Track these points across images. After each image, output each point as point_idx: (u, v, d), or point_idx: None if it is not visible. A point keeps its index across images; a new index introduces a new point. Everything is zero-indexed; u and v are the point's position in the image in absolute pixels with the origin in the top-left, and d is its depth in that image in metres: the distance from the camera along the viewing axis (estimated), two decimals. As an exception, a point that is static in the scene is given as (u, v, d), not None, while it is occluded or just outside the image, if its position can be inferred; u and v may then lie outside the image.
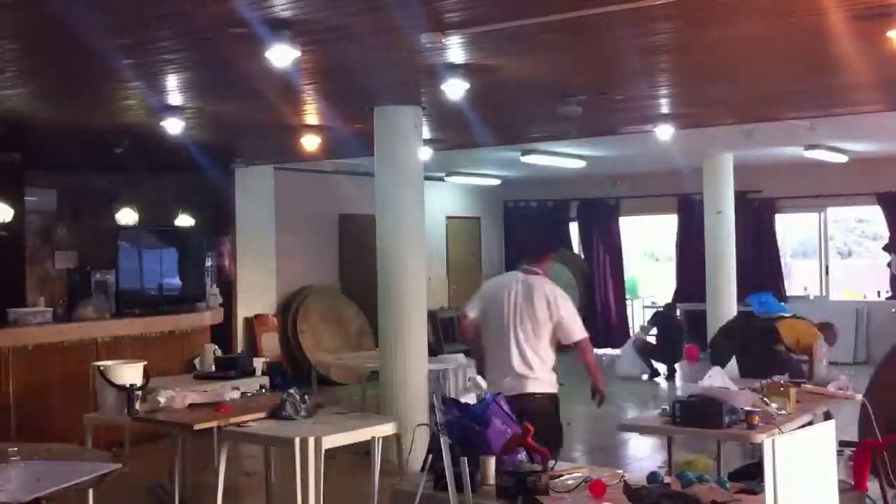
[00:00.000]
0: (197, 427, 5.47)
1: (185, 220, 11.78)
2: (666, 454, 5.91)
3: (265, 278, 12.58)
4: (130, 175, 11.10)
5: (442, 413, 3.85)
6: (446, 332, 14.58)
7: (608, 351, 16.11)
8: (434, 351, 12.75)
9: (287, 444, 5.11)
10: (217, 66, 6.45)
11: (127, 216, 11.39)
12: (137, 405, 5.92)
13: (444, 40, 5.48)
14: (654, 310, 15.24)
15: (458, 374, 8.75)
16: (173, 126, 8.04)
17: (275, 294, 12.71)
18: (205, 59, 6.24)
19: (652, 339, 13.79)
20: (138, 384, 6.10)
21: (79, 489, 3.86)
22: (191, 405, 5.82)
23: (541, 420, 4.78)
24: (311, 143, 9.73)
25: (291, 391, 5.60)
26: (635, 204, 16.01)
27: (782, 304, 14.03)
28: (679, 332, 13.67)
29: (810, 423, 4.97)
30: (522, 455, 4.04)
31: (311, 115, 8.59)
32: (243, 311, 12.29)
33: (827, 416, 6.02)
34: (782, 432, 4.52)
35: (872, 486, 5.62)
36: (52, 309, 8.73)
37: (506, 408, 4.23)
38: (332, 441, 5.14)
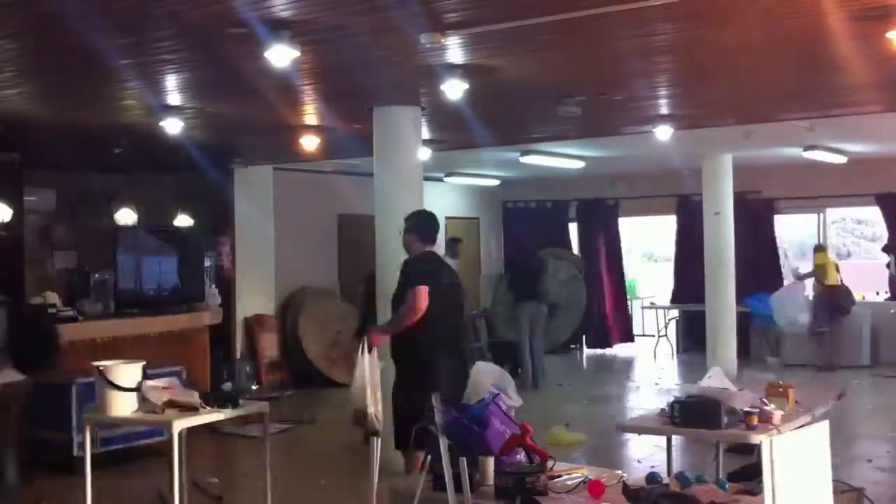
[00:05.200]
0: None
1: (183, 221, 11.78)
2: (665, 455, 5.91)
3: (264, 278, 12.58)
4: (129, 175, 11.10)
5: (441, 414, 3.85)
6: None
7: (607, 351, 16.16)
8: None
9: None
10: (217, 66, 6.45)
11: (126, 216, 11.38)
12: (137, 406, 5.90)
13: (443, 40, 5.49)
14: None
15: None
16: (172, 126, 8.05)
17: (273, 294, 12.71)
18: (204, 59, 6.24)
19: None
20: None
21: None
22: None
23: None
24: (310, 143, 9.73)
25: None
26: (634, 204, 16.02)
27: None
28: None
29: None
30: (521, 455, 4.04)
31: (311, 116, 8.59)
32: (242, 312, 12.28)
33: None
34: (781, 433, 4.52)
35: (870, 487, 5.63)
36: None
37: (504, 408, 4.24)
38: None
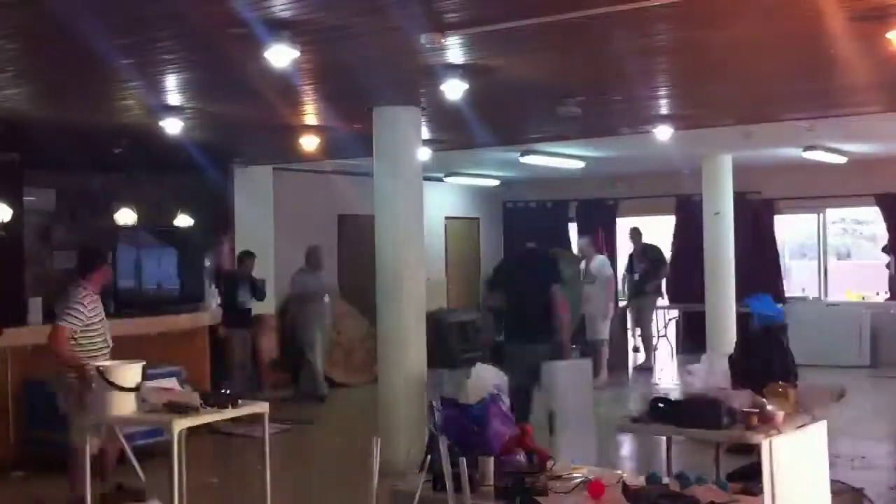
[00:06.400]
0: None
1: (183, 221, 11.77)
2: (665, 455, 5.91)
3: (264, 279, 12.55)
4: (129, 175, 11.09)
5: (441, 414, 3.86)
6: (463, 335, 14.49)
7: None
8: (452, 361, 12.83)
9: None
10: (216, 66, 6.45)
11: (126, 216, 11.37)
12: (137, 406, 5.90)
13: (443, 41, 5.49)
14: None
15: None
16: (172, 126, 8.04)
17: (273, 295, 12.69)
18: (204, 59, 6.24)
19: None
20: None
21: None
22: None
23: None
24: (310, 143, 9.73)
25: None
26: (634, 205, 16.01)
27: (779, 305, 14.11)
28: None
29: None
30: (521, 455, 4.05)
31: (311, 116, 8.59)
32: (242, 312, 12.26)
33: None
34: (780, 433, 4.52)
35: (870, 487, 5.64)
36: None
37: (504, 408, 4.24)
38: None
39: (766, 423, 4.91)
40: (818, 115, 9.14)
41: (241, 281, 11.17)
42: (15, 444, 8.04)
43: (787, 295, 14.70)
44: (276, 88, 7.05)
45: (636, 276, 14.25)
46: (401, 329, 7.88)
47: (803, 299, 14.82)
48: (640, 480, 3.86)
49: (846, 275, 14.06)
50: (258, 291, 11.21)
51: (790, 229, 16.08)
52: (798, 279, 16.02)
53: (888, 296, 14.12)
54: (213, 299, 10.86)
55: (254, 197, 12.38)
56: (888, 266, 14.12)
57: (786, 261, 15.67)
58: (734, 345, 8.99)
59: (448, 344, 14.01)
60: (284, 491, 6.64)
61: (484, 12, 5.12)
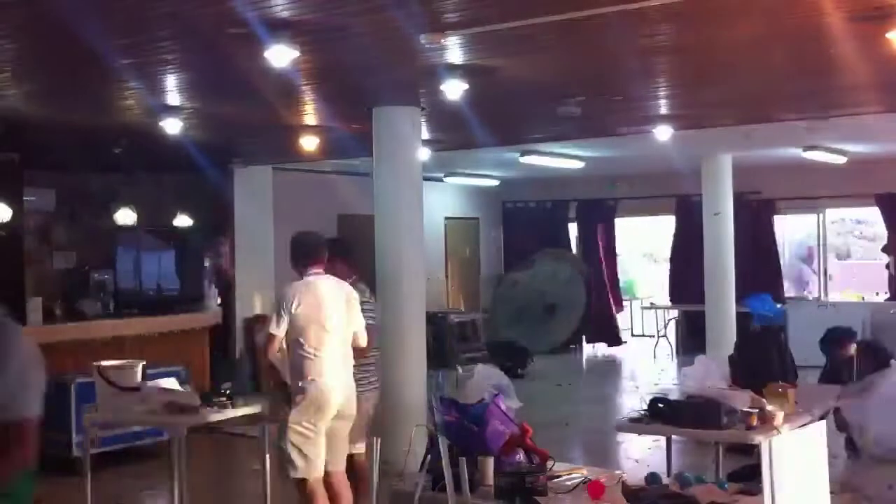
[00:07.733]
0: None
1: (183, 221, 11.77)
2: (664, 455, 5.91)
3: (264, 279, 12.56)
4: (129, 175, 11.09)
5: (440, 414, 3.86)
6: (463, 335, 14.48)
7: (607, 351, 16.17)
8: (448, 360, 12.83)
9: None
10: (216, 66, 6.45)
11: (125, 216, 11.37)
12: (137, 406, 5.90)
13: (443, 41, 5.49)
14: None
15: None
16: (172, 126, 8.04)
17: (273, 295, 12.68)
18: (204, 59, 6.24)
19: None
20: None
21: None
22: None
23: None
24: (309, 143, 9.73)
25: None
26: (634, 205, 16.03)
27: (780, 306, 14.12)
28: None
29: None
30: (521, 456, 4.05)
31: (310, 116, 8.59)
32: (242, 312, 12.27)
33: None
34: (780, 433, 4.52)
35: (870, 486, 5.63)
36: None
37: (504, 408, 4.24)
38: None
39: (766, 423, 4.91)
40: (818, 115, 9.13)
41: None
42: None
43: (786, 295, 14.71)
44: (276, 88, 7.05)
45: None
46: (401, 329, 7.88)
47: (804, 300, 14.82)
48: (640, 480, 3.86)
49: (847, 274, 14.04)
50: None
51: (790, 229, 16.08)
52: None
53: (888, 296, 14.11)
54: (213, 299, 10.86)
55: (254, 197, 12.37)
56: (888, 266, 14.12)
57: (785, 259, 15.63)
58: (734, 345, 8.99)
59: (448, 344, 14.02)
60: (284, 490, 6.63)
61: (484, 12, 5.12)
